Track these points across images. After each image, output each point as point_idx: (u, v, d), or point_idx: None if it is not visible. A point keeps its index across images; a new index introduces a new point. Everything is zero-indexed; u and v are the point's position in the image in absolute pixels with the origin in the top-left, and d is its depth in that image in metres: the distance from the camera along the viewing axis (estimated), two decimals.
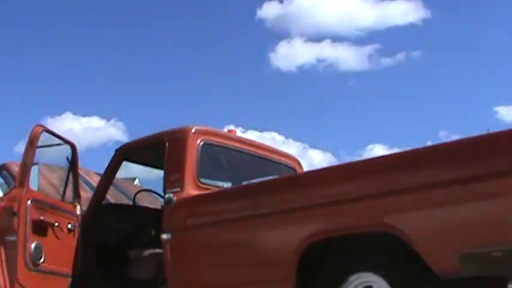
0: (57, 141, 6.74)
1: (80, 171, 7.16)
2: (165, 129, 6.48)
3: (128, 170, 8.55)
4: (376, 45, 62.72)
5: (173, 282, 5.83)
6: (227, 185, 6.86)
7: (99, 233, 6.89)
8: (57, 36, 54.59)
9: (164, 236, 5.83)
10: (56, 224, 6.33)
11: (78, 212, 6.69)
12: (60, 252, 6.37)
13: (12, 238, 5.98)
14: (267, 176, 6.91)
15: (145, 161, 7.51)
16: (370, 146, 51.32)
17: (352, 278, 4.86)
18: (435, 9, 57.35)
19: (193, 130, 6.26)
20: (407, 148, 5.07)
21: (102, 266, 6.80)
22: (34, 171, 6.70)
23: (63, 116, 61.59)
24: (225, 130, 7.03)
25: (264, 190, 5.60)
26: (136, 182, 15.16)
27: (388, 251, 4.75)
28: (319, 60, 61.89)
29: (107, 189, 7.13)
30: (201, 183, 6.07)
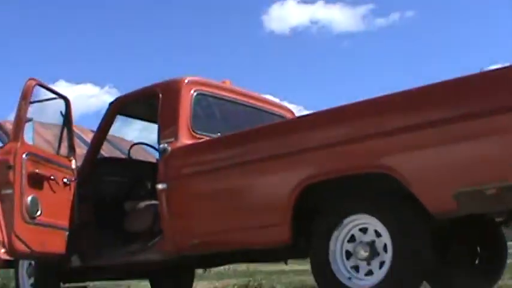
0: (51, 95, 6.71)
1: (74, 128, 7.14)
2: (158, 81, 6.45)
3: None
4: (370, 6, 62.46)
5: (169, 232, 5.85)
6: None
7: (95, 187, 6.89)
8: (51, 3, 54.22)
9: (159, 186, 5.85)
10: (52, 177, 6.32)
11: (73, 166, 6.68)
12: (56, 205, 6.38)
13: (9, 191, 5.97)
14: None
15: (139, 114, 7.50)
16: None
17: (347, 220, 4.90)
18: None
19: (186, 81, 6.24)
20: None
21: (99, 219, 6.80)
22: (28, 128, 6.68)
23: (56, 83, 61.56)
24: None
25: (257, 136, 5.59)
26: None
27: (384, 193, 4.79)
28: (312, 22, 61.78)
29: (102, 143, 7.11)
30: (195, 133, 6.07)
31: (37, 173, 6.14)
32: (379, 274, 4.71)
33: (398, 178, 4.50)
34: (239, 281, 8.87)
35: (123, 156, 8.22)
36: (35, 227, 6.07)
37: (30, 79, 6.29)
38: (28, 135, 6.61)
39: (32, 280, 7.34)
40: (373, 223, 4.79)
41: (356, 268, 4.86)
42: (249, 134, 5.64)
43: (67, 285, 7.95)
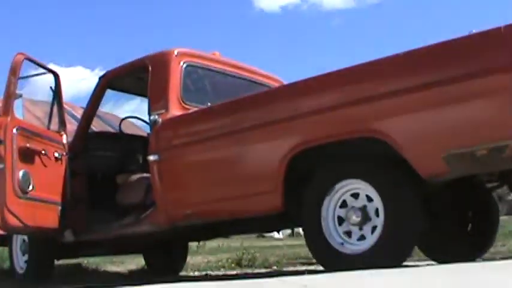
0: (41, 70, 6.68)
1: (64, 105, 7.12)
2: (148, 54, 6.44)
3: None
4: None
5: (161, 203, 5.85)
6: None
7: (86, 162, 6.89)
8: None
9: (151, 158, 5.84)
10: (43, 152, 6.30)
11: (64, 141, 6.67)
12: (48, 180, 6.37)
13: (0, 166, 5.96)
14: None
15: (129, 88, 7.46)
16: None
17: (338, 185, 4.90)
18: None
19: (175, 52, 6.23)
20: None
21: (91, 194, 6.81)
22: (18, 105, 6.66)
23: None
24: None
25: (247, 104, 5.58)
26: None
27: (375, 158, 4.79)
28: (302, 0, 61.44)
29: (92, 118, 7.09)
30: (186, 104, 6.06)
31: (28, 148, 6.12)
32: (371, 239, 4.71)
33: (389, 142, 4.50)
34: (233, 255, 8.89)
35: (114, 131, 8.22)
36: (27, 202, 6.07)
37: (18, 54, 6.24)
38: (18, 112, 6.60)
39: (26, 257, 7.35)
40: (364, 188, 4.79)
41: (348, 233, 4.86)
42: (239, 103, 5.63)
43: (61, 262, 8.00)
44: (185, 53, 6.32)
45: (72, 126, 7.43)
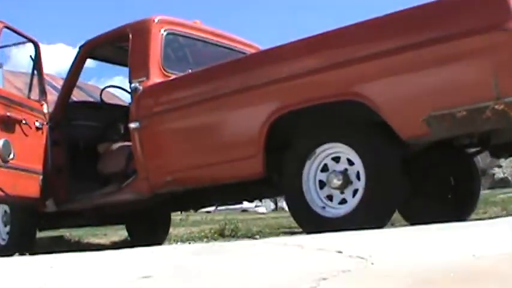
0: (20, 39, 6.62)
1: (45, 76, 7.06)
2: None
3: None
4: None
5: (143, 170, 5.84)
6: None
7: (68, 131, 6.84)
8: None
9: (132, 125, 5.82)
10: (24, 121, 6.26)
11: (45, 110, 6.62)
12: (29, 149, 6.34)
13: None
14: None
15: (110, 57, 7.41)
16: None
17: (319, 149, 4.91)
18: None
19: (156, 20, 6.19)
20: None
21: (72, 164, 6.78)
22: None
23: (27, 44, 60.61)
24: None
25: (226, 70, 5.57)
26: None
27: (355, 121, 4.80)
28: None
29: (73, 88, 7.03)
30: (166, 71, 6.03)
31: (8, 116, 6.08)
32: (353, 202, 4.75)
33: (369, 105, 4.51)
34: (216, 226, 8.89)
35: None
36: (8, 171, 6.04)
37: None
38: None
39: (7, 228, 7.32)
40: (345, 151, 4.81)
41: (330, 197, 4.89)
42: (218, 69, 5.62)
43: (43, 234, 7.98)
44: (166, 20, 6.29)
45: (52, 96, 7.38)
